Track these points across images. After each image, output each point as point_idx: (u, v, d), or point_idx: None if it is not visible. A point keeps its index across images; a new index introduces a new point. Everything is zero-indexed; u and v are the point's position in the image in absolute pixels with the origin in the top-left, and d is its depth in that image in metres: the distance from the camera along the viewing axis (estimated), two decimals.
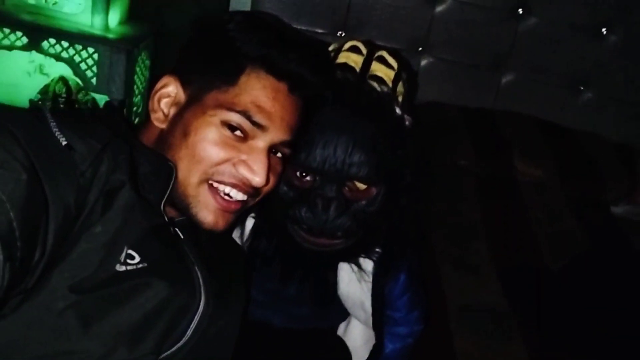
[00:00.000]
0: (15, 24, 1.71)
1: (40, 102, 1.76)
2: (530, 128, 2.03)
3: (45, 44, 1.72)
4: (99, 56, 1.73)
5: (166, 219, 0.80)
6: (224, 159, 0.80)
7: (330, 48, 1.05)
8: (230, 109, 0.79)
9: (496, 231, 1.68)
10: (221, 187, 0.82)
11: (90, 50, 1.73)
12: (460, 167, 1.88)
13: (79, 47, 1.72)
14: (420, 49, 2.09)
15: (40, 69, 1.86)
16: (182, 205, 0.82)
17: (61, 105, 1.75)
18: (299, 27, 1.83)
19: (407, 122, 1.00)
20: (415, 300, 1.17)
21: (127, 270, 0.72)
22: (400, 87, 1.02)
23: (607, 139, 2.10)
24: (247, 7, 1.95)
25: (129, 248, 0.72)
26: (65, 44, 1.72)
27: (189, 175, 0.80)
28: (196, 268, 0.83)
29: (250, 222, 1.06)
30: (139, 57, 1.85)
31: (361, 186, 0.97)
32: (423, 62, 2.11)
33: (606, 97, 2.17)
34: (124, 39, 1.77)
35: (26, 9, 1.75)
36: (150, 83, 1.97)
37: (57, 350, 0.69)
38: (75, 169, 0.67)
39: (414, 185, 1.01)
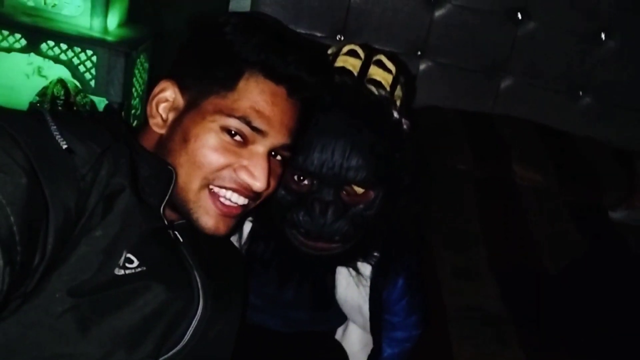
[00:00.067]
0: (14, 26, 1.71)
1: (39, 105, 1.75)
2: (528, 132, 2.04)
3: (43, 46, 1.72)
4: (97, 59, 1.73)
5: (166, 222, 0.80)
6: (224, 165, 0.80)
7: (329, 52, 1.05)
8: (230, 114, 0.79)
9: (494, 235, 1.68)
10: (222, 192, 0.81)
11: (89, 52, 1.73)
12: (459, 171, 1.88)
13: (78, 49, 1.72)
14: (419, 53, 2.09)
15: (39, 71, 1.85)
16: (183, 210, 0.82)
17: (59, 108, 1.75)
18: (297, 30, 1.83)
19: (405, 126, 1.00)
20: (413, 304, 1.17)
21: (125, 274, 0.72)
22: (398, 91, 1.01)
23: (605, 143, 2.10)
24: (247, 9, 1.95)
25: (128, 252, 0.72)
26: (64, 46, 1.72)
27: (189, 181, 0.80)
28: (195, 272, 0.83)
29: (248, 226, 1.06)
30: (138, 60, 1.85)
31: (359, 190, 0.96)
32: (422, 66, 2.12)
33: (604, 102, 2.17)
34: (123, 42, 1.77)
35: (25, 11, 1.75)
36: (148, 86, 1.97)
37: (56, 353, 0.69)
38: (75, 172, 0.67)
39: (412, 188, 1.01)
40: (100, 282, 0.70)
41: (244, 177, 0.80)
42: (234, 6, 1.97)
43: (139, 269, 0.73)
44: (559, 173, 1.91)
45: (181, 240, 0.84)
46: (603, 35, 2.09)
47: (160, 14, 2.04)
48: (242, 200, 0.83)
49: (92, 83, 1.75)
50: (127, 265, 0.72)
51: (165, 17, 2.03)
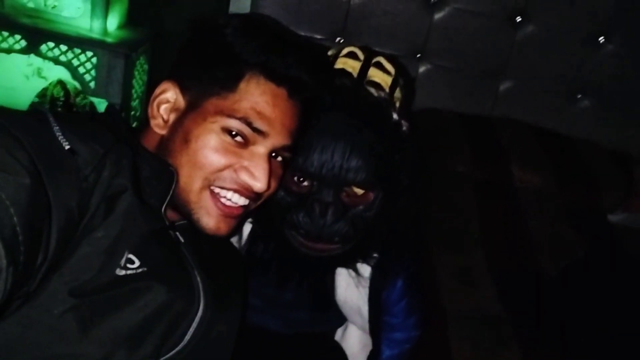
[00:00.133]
0: (14, 27, 1.71)
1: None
2: (527, 135, 2.04)
3: (43, 47, 1.72)
4: (97, 60, 1.73)
5: (167, 222, 0.80)
6: (225, 165, 0.80)
7: (328, 54, 1.06)
8: (231, 115, 0.79)
9: (493, 236, 1.68)
10: (222, 192, 0.82)
11: (89, 54, 1.73)
12: (458, 173, 1.88)
13: (78, 50, 1.73)
14: (418, 55, 2.10)
15: (39, 73, 1.85)
16: (184, 210, 0.83)
17: (59, 109, 1.75)
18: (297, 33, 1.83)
19: (404, 128, 1.01)
20: (412, 306, 1.17)
21: (127, 275, 0.72)
22: (397, 93, 1.02)
23: (604, 146, 2.10)
24: (247, 11, 1.95)
25: (129, 252, 0.72)
26: (63, 47, 1.72)
27: (190, 181, 0.80)
28: (196, 272, 0.83)
29: (247, 227, 1.06)
30: (138, 62, 1.85)
31: (359, 191, 0.97)
32: (421, 69, 2.12)
33: (603, 104, 2.17)
34: (123, 43, 1.77)
35: (25, 12, 1.75)
36: (148, 87, 1.97)
37: (56, 353, 0.69)
38: (78, 173, 0.67)
39: (412, 190, 1.01)
40: (102, 283, 0.70)
41: (245, 177, 0.81)
42: (233, 8, 1.97)
43: (140, 270, 0.73)
44: (557, 175, 1.92)
45: (182, 240, 0.85)
46: (602, 39, 2.09)
47: (160, 16, 2.04)
48: (242, 201, 0.83)
49: (92, 84, 1.75)
50: (128, 265, 0.72)
51: (165, 19, 2.03)
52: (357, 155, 0.93)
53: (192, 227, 0.84)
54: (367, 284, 1.09)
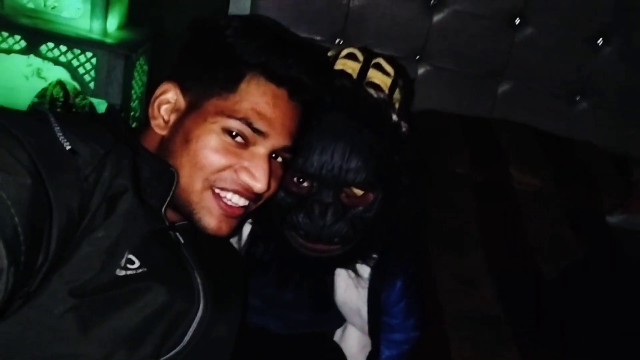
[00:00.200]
0: (14, 28, 1.72)
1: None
2: (526, 137, 2.05)
3: (43, 47, 1.72)
4: (97, 61, 1.74)
5: (167, 223, 0.80)
6: (225, 166, 0.80)
7: (328, 55, 1.06)
8: (231, 116, 0.79)
9: (492, 238, 1.68)
10: (222, 193, 0.82)
11: (89, 54, 1.73)
12: (457, 174, 1.88)
13: (77, 51, 1.73)
14: (417, 57, 2.10)
15: (38, 73, 1.86)
16: (185, 210, 0.83)
17: (58, 109, 1.75)
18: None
19: (404, 129, 1.01)
20: (411, 307, 1.17)
21: (127, 275, 0.72)
22: (396, 94, 1.02)
23: (602, 148, 2.11)
24: (246, 12, 1.96)
25: (129, 253, 0.72)
26: (63, 48, 1.72)
27: (191, 182, 0.80)
28: (195, 273, 0.83)
29: (247, 228, 1.06)
30: (137, 62, 1.86)
31: (358, 192, 0.97)
32: (420, 71, 2.12)
33: (602, 106, 2.18)
34: (123, 44, 1.77)
35: (25, 13, 1.76)
36: (148, 88, 1.97)
37: (56, 353, 0.69)
38: (78, 173, 0.67)
39: (412, 191, 1.01)
40: (102, 283, 0.70)
41: (245, 178, 0.81)
42: (233, 9, 1.98)
43: (140, 270, 0.73)
44: (556, 177, 1.92)
45: (182, 241, 0.85)
46: (600, 41, 2.10)
47: (159, 17, 2.04)
48: (242, 202, 0.83)
49: (92, 85, 1.75)
50: (128, 266, 0.72)
51: (164, 19, 2.04)
52: (357, 156, 0.93)
53: (192, 227, 0.84)
54: (366, 284, 1.09)
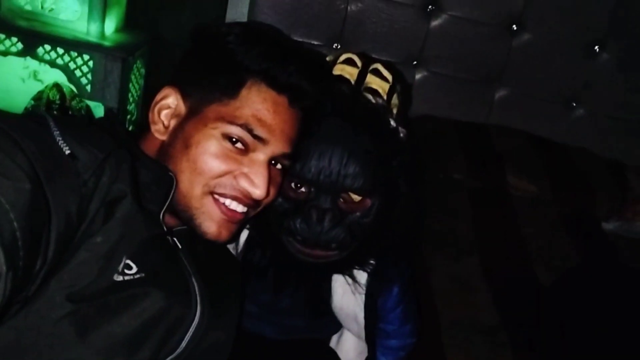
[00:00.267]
0: (11, 30, 1.71)
1: (36, 109, 1.75)
2: (522, 143, 2.05)
3: (40, 50, 1.71)
4: (94, 63, 1.73)
5: (165, 228, 0.80)
6: (225, 171, 0.80)
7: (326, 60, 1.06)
8: (231, 122, 0.80)
9: (488, 245, 1.68)
10: (221, 199, 0.82)
11: (86, 57, 1.73)
12: (453, 180, 1.88)
13: (75, 54, 1.72)
14: (414, 62, 2.10)
15: (35, 75, 1.85)
16: (184, 215, 0.83)
17: (55, 112, 1.74)
18: (294, 39, 1.84)
19: (401, 134, 1.01)
20: (408, 313, 1.17)
21: (124, 280, 0.72)
22: (394, 100, 1.02)
23: (598, 154, 2.11)
24: (244, 17, 1.96)
25: (127, 258, 0.72)
26: (60, 50, 1.72)
27: (191, 187, 0.80)
28: (193, 278, 0.83)
29: (244, 234, 1.06)
30: (134, 65, 1.85)
31: (356, 198, 0.97)
32: (417, 76, 2.13)
33: (598, 113, 2.19)
34: (120, 47, 1.77)
35: (22, 15, 1.75)
36: (145, 91, 1.97)
37: (53, 359, 0.69)
38: (77, 177, 0.67)
39: (409, 196, 1.01)
40: (100, 288, 0.70)
41: (244, 184, 0.81)
42: (231, 14, 1.97)
43: (138, 275, 0.73)
44: (552, 184, 1.92)
45: (180, 246, 0.84)
46: (597, 48, 2.11)
47: (157, 20, 2.04)
48: (241, 208, 0.84)
49: (88, 88, 1.75)
50: (126, 271, 0.72)
51: (162, 23, 2.03)
52: (355, 161, 0.93)
53: (190, 232, 0.84)
54: (363, 290, 1.09)
